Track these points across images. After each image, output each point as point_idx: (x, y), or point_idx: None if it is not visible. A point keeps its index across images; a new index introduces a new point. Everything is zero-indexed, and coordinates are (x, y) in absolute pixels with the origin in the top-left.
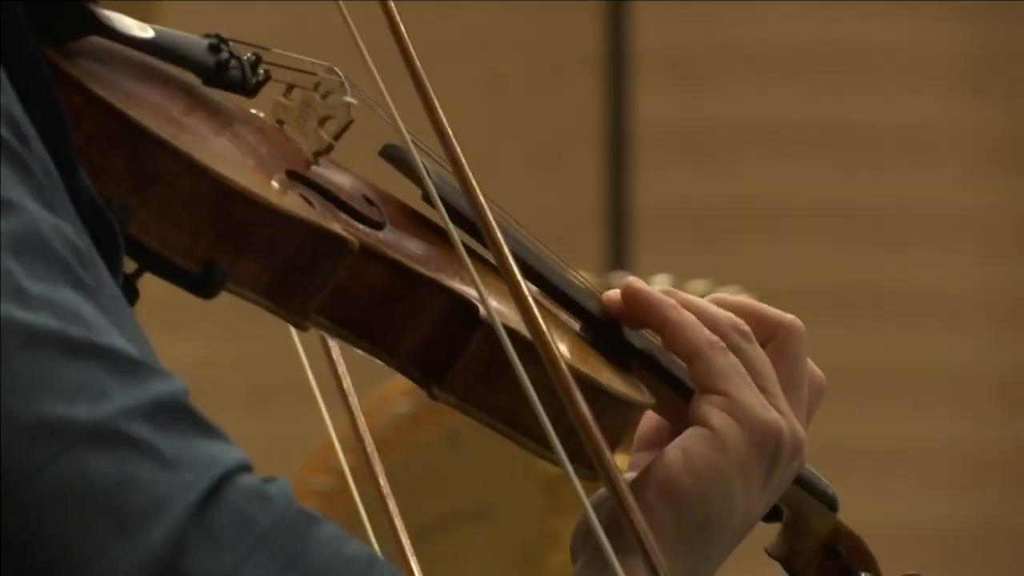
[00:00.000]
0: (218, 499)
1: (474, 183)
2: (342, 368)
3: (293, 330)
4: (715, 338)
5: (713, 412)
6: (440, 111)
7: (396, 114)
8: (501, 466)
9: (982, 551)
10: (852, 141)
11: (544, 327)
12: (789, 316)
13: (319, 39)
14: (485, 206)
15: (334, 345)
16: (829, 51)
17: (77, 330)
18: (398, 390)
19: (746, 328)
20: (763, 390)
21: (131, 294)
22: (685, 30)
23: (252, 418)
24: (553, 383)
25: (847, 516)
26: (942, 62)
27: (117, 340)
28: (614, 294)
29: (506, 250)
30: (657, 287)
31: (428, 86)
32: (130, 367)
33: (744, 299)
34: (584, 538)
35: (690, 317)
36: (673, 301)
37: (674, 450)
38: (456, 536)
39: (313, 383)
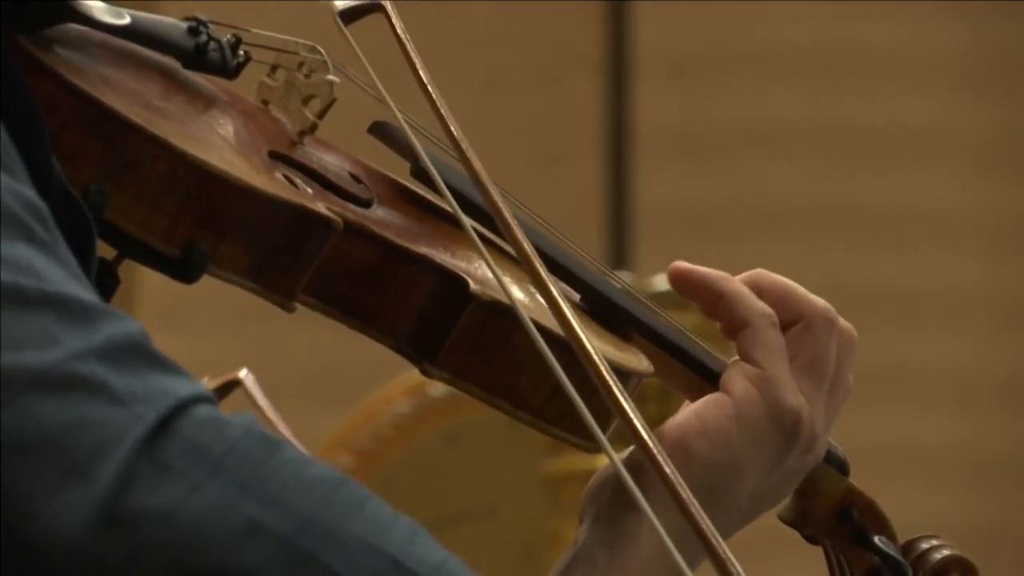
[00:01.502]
0: (169, 430)
1: (468, 151)
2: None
3: None
4: (769, 311)
5: (739, 381)
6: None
7: (384, 92)
8: (502, 466)
9: (982, 551)
10: (852, 141)
11: (557, 296)
12: (821, 302)
13: (323, 35)
14: (482, 174)
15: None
16: (830, 52)
17: (28, 281)
18: (399, 390)
19: (834, 318)
20: (807, 375)
21: (112, 281)
22: (685, 30)
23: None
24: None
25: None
26: (942, 63)
27: (69, 287)
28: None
29: (508, 215)
30: (660, 288)
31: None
32: (81, 311)
33: (779, 278)
34: (593, 496)
35: (744, 288)
36: (723, 274)
37: (690, 413)
38: (457, 535)
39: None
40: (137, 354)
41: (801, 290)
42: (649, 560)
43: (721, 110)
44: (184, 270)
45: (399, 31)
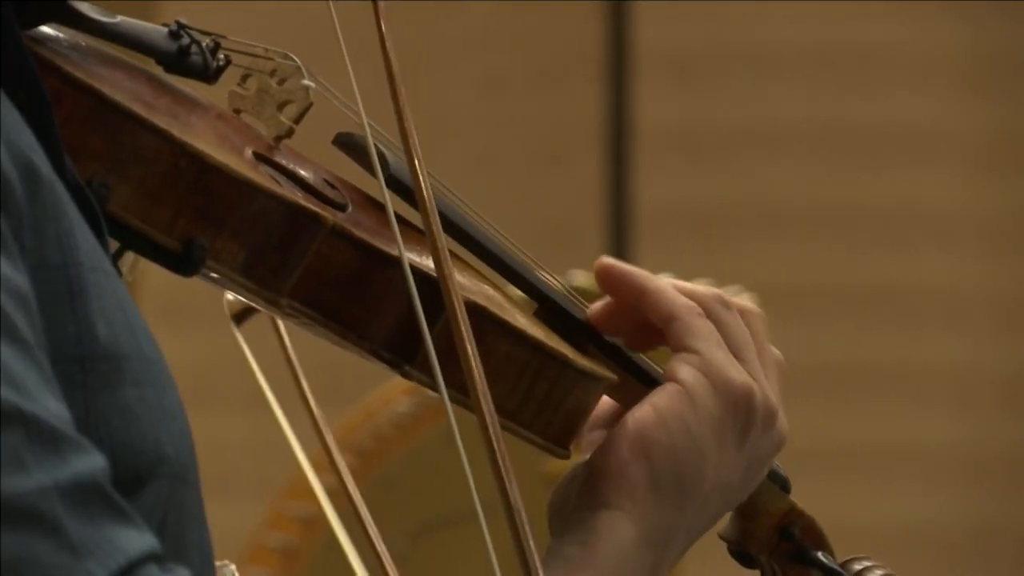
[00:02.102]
0: None
1: (420, 162)
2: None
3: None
4: (692, 303)
5: (684, 368)
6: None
7: (360, 102)
8: None
9: (983, 551)
10: (853, 141)
11: (454, 280)
12: (748, 303)
13: (319, 37)
14: (424, 180)
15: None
16: (830, 51)
17: (6, 394)
18: (399, 389)
19: (728, 299)
20: (738, 357)
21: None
22: (686, 30)
23: (253, 417)
24: (523, 358)
25: (847, 516)
26: (943, 62)
27: (43, 404)
28: (597, 306)
29: (436, 219)
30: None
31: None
32: (52, 439)
33: (703, 287)
34: (559, 508)
35: (667, 285)
36: (647, 272)
37: (645, 406)
38: (456, 535)
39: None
40: (98, 498)
41: (686, 285)
42: (623, 552)
43: (721, 110)
44: (184, 264)
45: (382, 25)
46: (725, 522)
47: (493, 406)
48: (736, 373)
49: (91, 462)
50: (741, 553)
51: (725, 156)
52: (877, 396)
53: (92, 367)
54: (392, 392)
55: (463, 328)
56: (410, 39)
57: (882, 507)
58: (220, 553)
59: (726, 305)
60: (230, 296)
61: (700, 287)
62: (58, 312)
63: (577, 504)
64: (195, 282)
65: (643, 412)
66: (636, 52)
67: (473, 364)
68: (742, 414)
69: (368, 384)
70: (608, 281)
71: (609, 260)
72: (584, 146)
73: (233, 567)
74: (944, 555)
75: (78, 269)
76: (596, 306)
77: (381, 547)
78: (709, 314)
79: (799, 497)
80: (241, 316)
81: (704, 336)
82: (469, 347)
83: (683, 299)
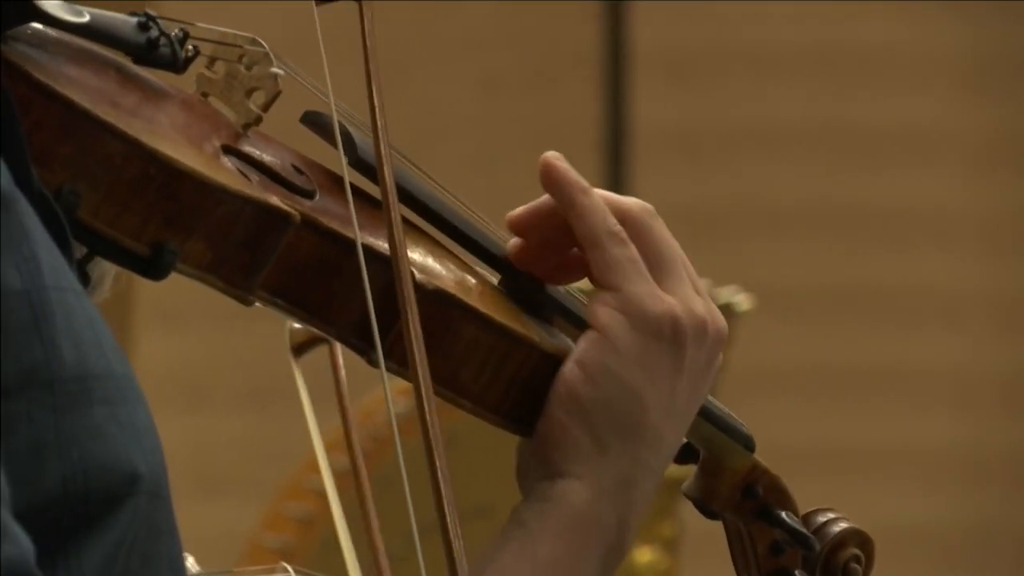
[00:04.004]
0: None
1: (382, 131)
2: (342, 375)
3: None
4: (617, 228)
5: (602, 310)
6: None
7: (331, 88)
8: (501, 465)
9: (982, 551)
10: (852, 141)
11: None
12: (633, 200)
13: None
14: (387, 153)
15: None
16: (829, 51)
17: None
18: (398, 389)
19: (650, 207)
20: (662, 272)
21: (83, 280)
22: (683, 30)
23: (250, 418)
24: (490, 342)
25: (847, 514)
26: (942, 62)
27: None
28: (516, 242)
29: (392, 194)
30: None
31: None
32: None
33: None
34: (523, 478)
35: (599, 203)
36: (586, 185)
37: (570, 363)
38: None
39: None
40: None
41: (614, 197)
42: (580, 516)
43: (720, 110)
44: (154, 268)
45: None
46: (689, 479)
47: (461, 390)
48: (655, 302)
49: (19, 547)
50: (704, 509)
51: (723, 156)
52: (876, 396)
53: (61, 389)
54: (390, 393)
55: (412, 324)
56: (407, 39)
57: (881, 508)
58: (217, 555)
59: (651, 213)
60: (293, 326)
61: (631, 201)
62: (24, 338)
63: (538, 473)
64: (190, 282)
65: (568, 370)
66: (633, 52)
67: (415, 349)
68: (668, 341)
69: (366, 385)
70: (547, 178)
71: (555, 159)
72: (582, 146)
73: (192, 559)
74: (943, 556)
75: (41, 293)
76: (515, 242)
77: (381, 549)
78: (634, 230)
79: (799, 498)
80: (302, 347)
81: (622, 268)
82: (414, 333)
83: (607, 222)
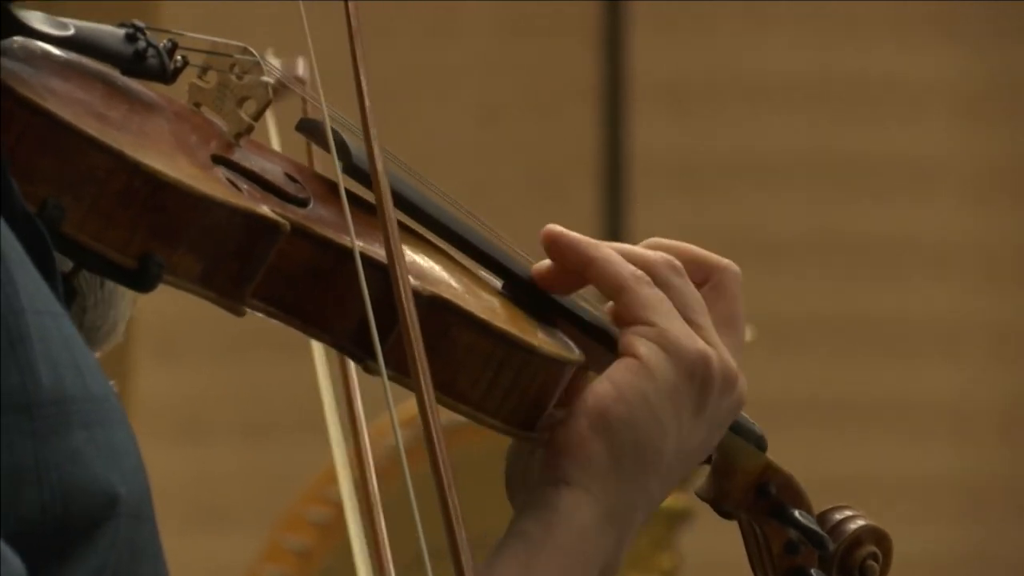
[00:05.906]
0: None
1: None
2: (356, 395)
3: (319, 360)
4: (640, 272)
5: (640, 342)
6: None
7: (322, 93)
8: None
9: None
10: (851, 171)
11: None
12: (725, 259)
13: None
14: (379, 157)
15: (352, 372)
16: (827, 81)
17: None
18: (398, 420)
19: (677, 264)
20: (692, 323)
21: (68, 293)
22: (682, 60)
23: (248, 450)
24: (488, 348)
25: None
26: (941, 91)
27: None
28: (543, 264)
29: (388, 200)
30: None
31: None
32: None
33: (680, 243)
34: (517, 485)
35: (613, 253)
36: (595, 241)
37: (603, 381)
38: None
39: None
40: None
41: (699, 250)
42: (584, 532)
43: (717, 139)
44: (141, 280)
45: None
46: (702, 480)
47: (459, 395)
48: (692, 342)
49: (11, 568)
50: (719, 509)
51: (722, 186)
52: (875, 426)
53: (39, 413)
54: (387, 425)
55: (412, 330)
56: (408, 68)
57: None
58: None
59: (675, 269)
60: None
61: (648, 252)
62: (1, 363)
63: (539, 479)
64: (189, 315)
65: (602, 388)
66: (632, 82)
67: (418, 358)
68: (699, 382)
69: (368, 416)
70: (554, 249)
71: (556, 228)
72: (580, 175)
73: None
74: None
75: (16, 316)
76: (541, 265)
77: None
78: (658, 280)
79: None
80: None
81: (655, 306)
82: (414, 338)
83: (630, 268)
